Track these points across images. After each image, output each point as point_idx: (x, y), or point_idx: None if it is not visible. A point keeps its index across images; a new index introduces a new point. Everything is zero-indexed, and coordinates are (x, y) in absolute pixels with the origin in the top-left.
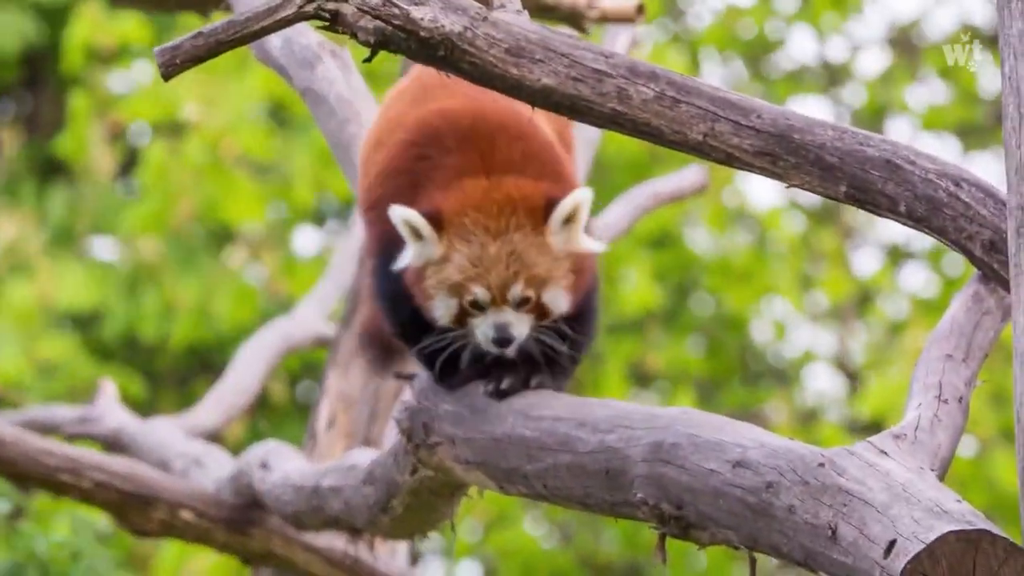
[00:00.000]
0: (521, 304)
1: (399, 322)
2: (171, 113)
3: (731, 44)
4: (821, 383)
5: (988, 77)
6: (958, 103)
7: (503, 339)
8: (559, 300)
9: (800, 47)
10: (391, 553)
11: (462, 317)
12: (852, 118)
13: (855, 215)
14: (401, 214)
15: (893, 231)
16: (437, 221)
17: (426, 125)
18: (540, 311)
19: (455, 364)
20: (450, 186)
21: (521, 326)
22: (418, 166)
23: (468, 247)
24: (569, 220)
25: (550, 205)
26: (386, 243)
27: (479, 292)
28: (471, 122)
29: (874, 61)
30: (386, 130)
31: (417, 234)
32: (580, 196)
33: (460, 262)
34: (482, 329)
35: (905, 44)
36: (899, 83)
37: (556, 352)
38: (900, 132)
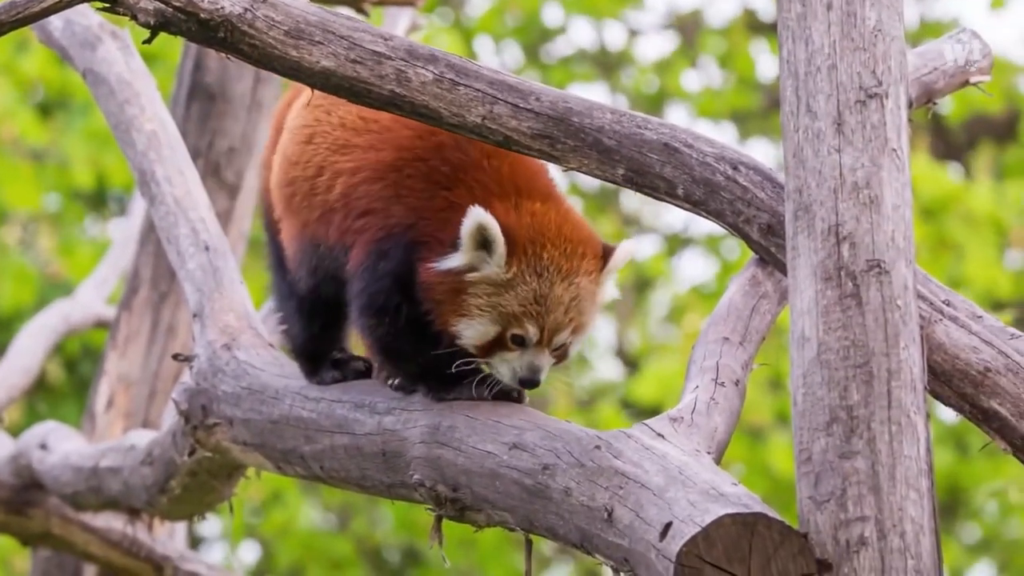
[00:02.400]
0: (557, 349)
1: (394, 336)
2: None
3: (507, 31)
4: (600, 368)
5: (764, 63)
6: (735, 89)
7: (533, 381)
8: (579, 347)
9: (579, 33)
10: (169, 534)
11: (494, 346)
12: (630, 104)
13: (634, 200)
14: (482, 219)
15: (673, 217)
16: (511, 242)
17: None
18: (563, 355)
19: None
20: (505, 202)
21: (548, 369)
22: (437, 168)
23: (538, 282)
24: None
25: (607, 253)
26: (387, 248)
27: (532, 330)
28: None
29: (653, 47)
30: (353, 130)
31: (484, 245)
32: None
33: (525, 295)
34: (514, 365)
35: (685, 30)
36: (677, 69)
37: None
38: (679, 119)
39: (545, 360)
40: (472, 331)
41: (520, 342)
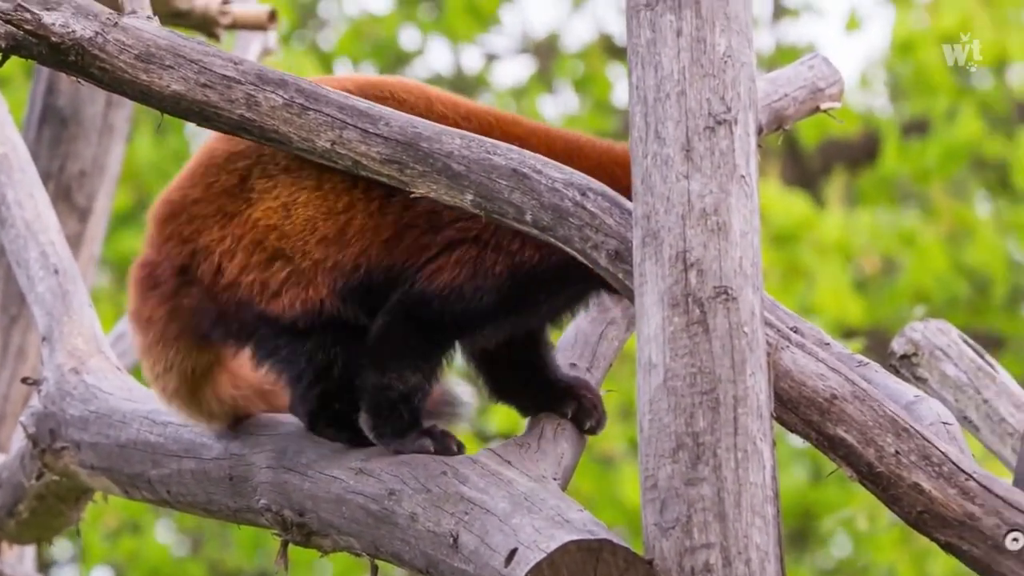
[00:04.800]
0: None
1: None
2: None
3: (366, 54)
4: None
5: (621, 88)
6: (592, 112)
7: None
8: None
9: (436, 57)
10: (18, 558)
11: None
12: None
13: None
14: None
15: None
16: None
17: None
18: None
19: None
20: None
21: None
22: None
23: None
24: None
25: None
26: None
27: None
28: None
29: (509, 71)
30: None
31: None
32: None
33: None
34: None
35: (541, 54)
36: (533, 94)
37: None
38: None
39: None
40: None
41: None
